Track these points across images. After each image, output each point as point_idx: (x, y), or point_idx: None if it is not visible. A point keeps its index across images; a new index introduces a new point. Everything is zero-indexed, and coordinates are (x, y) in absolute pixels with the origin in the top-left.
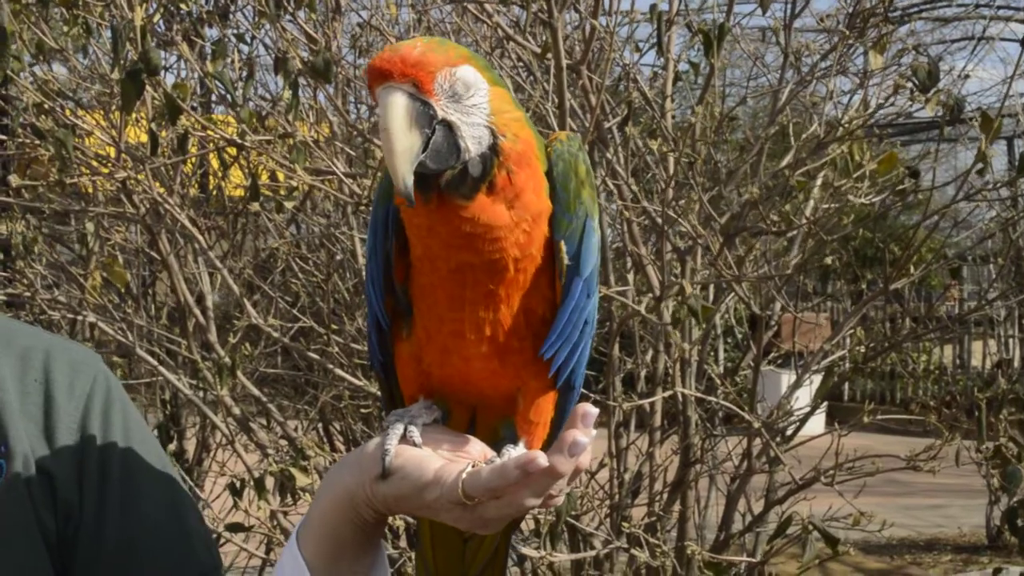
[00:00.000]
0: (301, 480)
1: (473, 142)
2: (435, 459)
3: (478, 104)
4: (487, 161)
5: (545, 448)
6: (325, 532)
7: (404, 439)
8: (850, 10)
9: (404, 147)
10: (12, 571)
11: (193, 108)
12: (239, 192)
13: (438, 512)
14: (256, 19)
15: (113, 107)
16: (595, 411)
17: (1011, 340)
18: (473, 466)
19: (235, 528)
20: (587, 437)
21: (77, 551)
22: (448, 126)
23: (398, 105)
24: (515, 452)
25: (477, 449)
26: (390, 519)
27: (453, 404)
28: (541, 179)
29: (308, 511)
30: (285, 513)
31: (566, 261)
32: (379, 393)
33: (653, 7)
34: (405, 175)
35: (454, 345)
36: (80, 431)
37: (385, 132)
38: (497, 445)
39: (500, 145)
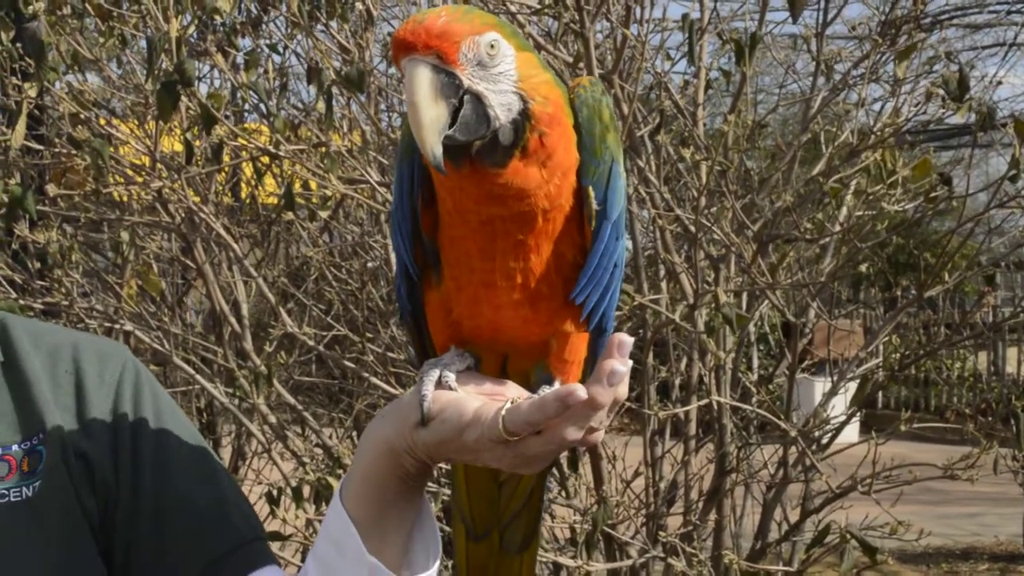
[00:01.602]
0: (337, 486)
1: (503, 109)
2: (473, 400)
3: (505, 71)
4: (518, 127)
5: None
6: (368, 486)
7: (440, 385)
8: (883, 18)
9: (431, 119)
10: (59, 552)
11: (226, 117)
12: (272, 200)
13: (480, 453)
14: (289, 29)
15: (148, 116)
16: (630, 340)
17: None
18: (512, 402)
19: (272, 537)
20: (624, 366)
21: (116, 529)
22: (476, 96)
23: (423, 78)
24: (551, 390)
25: (514, 391)
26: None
27: (484, 352)
28: (571, 134)
29: (350, 467)
30: (321, 521)
31: (595, 206)
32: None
33: (685, 16)
34: (434, 146)
35: (485, 294)
36: (112, 415)
37: (411, 105)
38: (532, 388)
39: (531, 109)
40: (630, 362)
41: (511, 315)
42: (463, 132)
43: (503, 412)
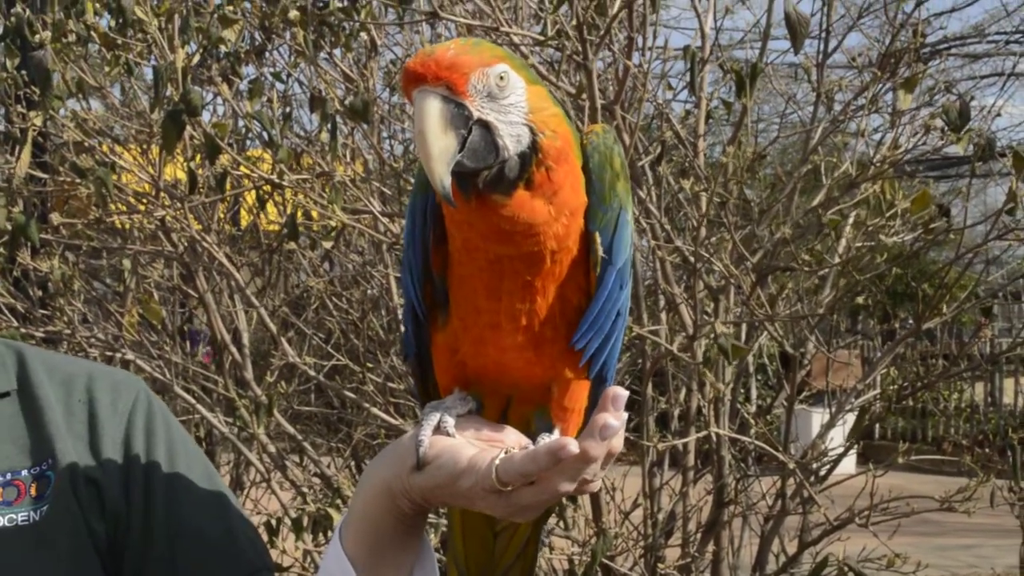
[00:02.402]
0: (338, 520)
1: (512, 140)
2: (469, 447)
3: (515, 103)
4: (526, 159)
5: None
6: (366, 526)
7: (438, 430)
8: (883, 50)
9: (439, 150)
10: (65, 573)
11: (229, 145)
12: (274, 228)
13: (473, 500)
14: (293, 58)
15: (151, 144)
16: (625, 393)
17: None
18: (506, 452)
19: None
20: (618, 420)
21: (127, 555)
22: (485, 126)
23: (432, 108)
24: (549, 439)
25: (512, 438)
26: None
27: (487, 395)
28: (579, 174)
29: (349, 506)
30: (320, 552)
31: (600, 252)
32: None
33: (687, 48)
34: (442, 176)
35: (490, 335)
36: (124, 444)
37: (420, 135)
38: (531, 434)
39: (540, 142)
40: (624, 415)
41: (515, 357)
42: (471, 159)
43: (497, 462)
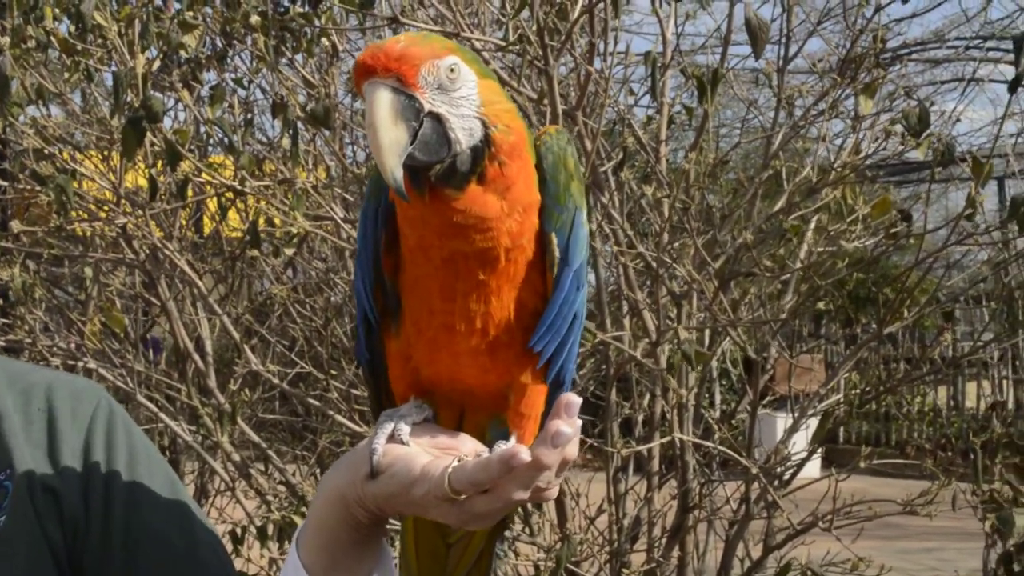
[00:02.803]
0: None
1: (464, 133)
2: (422, 456)
3: (467, 95)
4: (478, 153)
5: None
6: (322, 535)
7: (392, 438)
8: (842, 56)
9: (390, 141)
10: None
11: (191, 151)
12: (237, 234)
13: (427, 508)
14: (255, 63)
15: (112, 152)
16: (578, 400)
17: (1004, 382)
18: (459, 461)
19: None
20: (571, 427)
21: (85, 564)
22: (436, 118)
23: (382, 100)
24: (505, 446)
25: (468, 446)
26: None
27: (441, 403)
28: (532, 171)
29: (307, 515)
30: (285, 560)
31: (557, 254)
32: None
33: (647, 53)
34: (393, 168)
35: (444, 339)
36: (84, 452)
37: (371, 127)
38: (487, 443)
39: (492, 136)
40: (578, 422)
41: (469, 362)
42: (423, 152)
43: (449, 470)
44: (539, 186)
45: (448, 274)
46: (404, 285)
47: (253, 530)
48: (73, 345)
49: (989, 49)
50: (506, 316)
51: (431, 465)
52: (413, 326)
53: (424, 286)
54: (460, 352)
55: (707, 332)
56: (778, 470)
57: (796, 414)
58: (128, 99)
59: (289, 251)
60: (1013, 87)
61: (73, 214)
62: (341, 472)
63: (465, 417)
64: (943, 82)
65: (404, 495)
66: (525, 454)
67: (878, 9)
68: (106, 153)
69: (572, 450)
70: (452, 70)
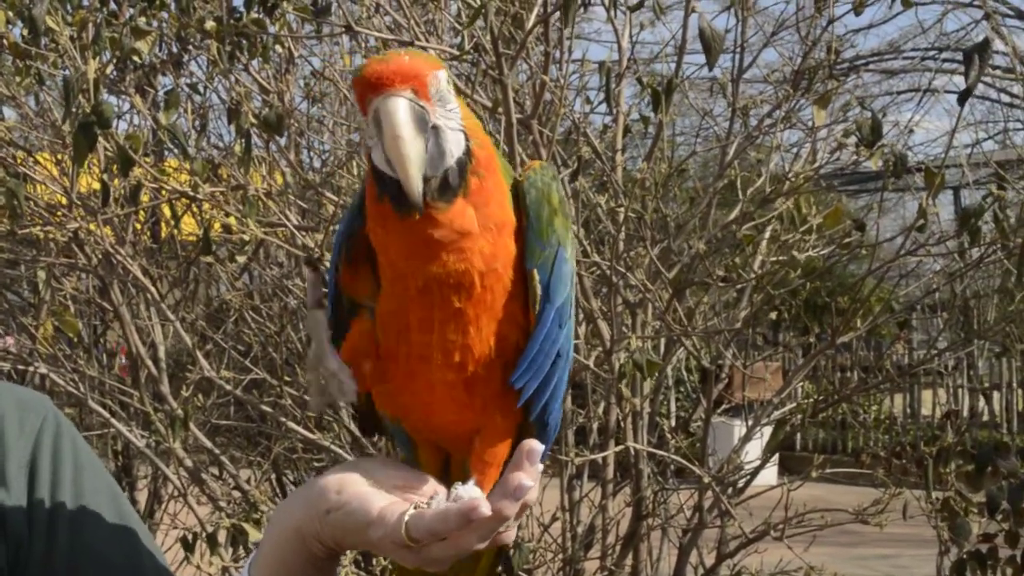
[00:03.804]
0: (254, 535)
1: (456, 146)
2: (379, 497)
3: (454, 108)
4: (462, 166)
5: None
6: (276, 568)
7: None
8: (796, 67)
9: (416, 153)
10: None
11: (146, 155)
12: (193, 239)
13: (384, 551)
14: (210, 68)
15: (64, 156)
16: (541, 447)
17: (960, 390)
18: (416, 507)
19: None
20: (533, 479)
21: None
22: (436, 131)
23: (405, 111)
24: (463, 491)
25: (427, 486)
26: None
27: (419, 441)
28: (505, 189)
29: (260, 545)
30: (237, 567)
31: (538, 290)
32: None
33: (602, 63)
34: (418, 182)
35: (420, 369)
36: (29, 467)
37: (394, 139)
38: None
39: (472, 149)
40: (540, 468)
41: (444, 396)
42: (431, 167)
43: (406, 518)
44: (522, 221)
45: (424, 304)
46: (380, 317)
47: (204, 537)
48: (25, 350)
49: (944, 60)
50: (486, 350)
51: (387, 510)
52: (390, 359)
53: (402, 319)
54: (435, 384)
55: (662, 341)
56: (731, 479)
57: (751, 422)
58: (79, 104)
59: (242, 258)
60: (963, 99)
61: (27, 219)
62: (298, 504)
63: (452, 460)
64: (899, 92)
65: (360, 534)
66: (485, 507)
67: (831, 21)
68: (59, 157)
69: (532, 495)
70: (448, 82)
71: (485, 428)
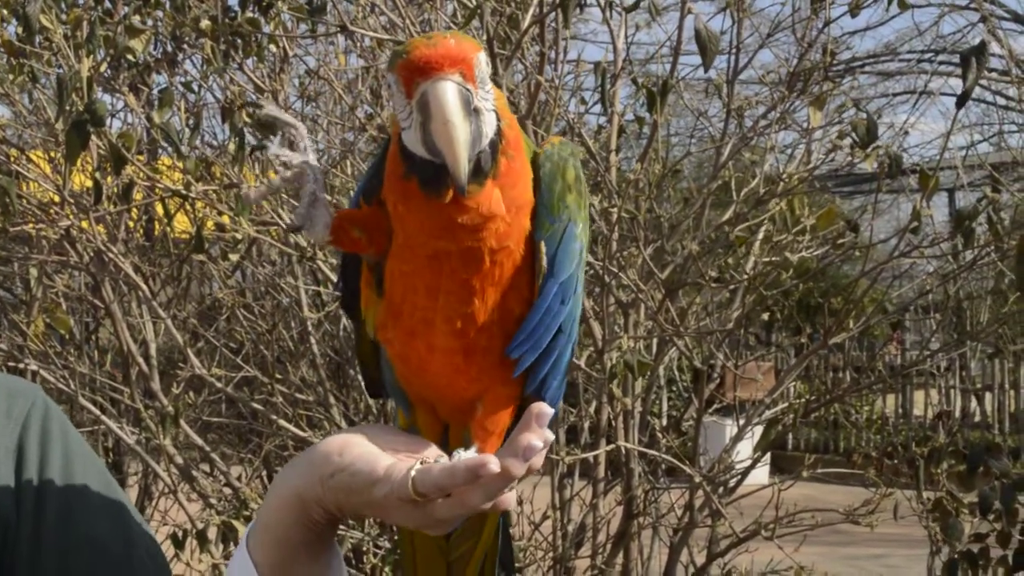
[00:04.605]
0: (243, 532)
1: (490, 127)
2: (385, 457)
3: (490, 89)
4: (494, 147)
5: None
6: (275, 535)
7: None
8: (791, 69)
9: (466, 137)
10: None
11: (139, 153)
12: (185, 237)
13: (387, 510)
14: (204, 67)
15: (57, 154)
16: (550, 411)
17: (952, 391)
18: (422, 463)
19: None
20: (542, 440)
21: (17, 566)
22: (476, 114)
23: (456, 94)
24: (465, 455)
25: (429, 451)
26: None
27: (418, 404)
28: (529, 168)
29: (258, 513)
30: (227, 565)
31: (544, 263)
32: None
33: (597, 63)
34: (466, 165)
35: (421, 330)
36: (17, 452)
37: (445, 123)
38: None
39: (502, 130)
40: (550, 434)
41: (443, 361)
42: (471, 151)
43: (413, 472)
44: (536, 193)
45: (433, 271)
46: (389, 274)
47: (194, 534)
48: (15, 346)
49: (940, 63)
50: (488, 320)
51: (394, 467)
52: (393, 315)
53: (409, 281)
54: (435, 347)
55: (654, 341)
56: (722, 478)
57: (742, 422)
58: (73, 102)
59: (235, 257)
60: (961, 102)
61: (19, 217)
62: (299, 471)
63: (451, 431)
64: (895, 94)
65: (365, 494)
66: (495, 464)
67: (828, 23)
68: (52, 154)
69: (538, 460)
70: (487, 65)
71: (487, 396)
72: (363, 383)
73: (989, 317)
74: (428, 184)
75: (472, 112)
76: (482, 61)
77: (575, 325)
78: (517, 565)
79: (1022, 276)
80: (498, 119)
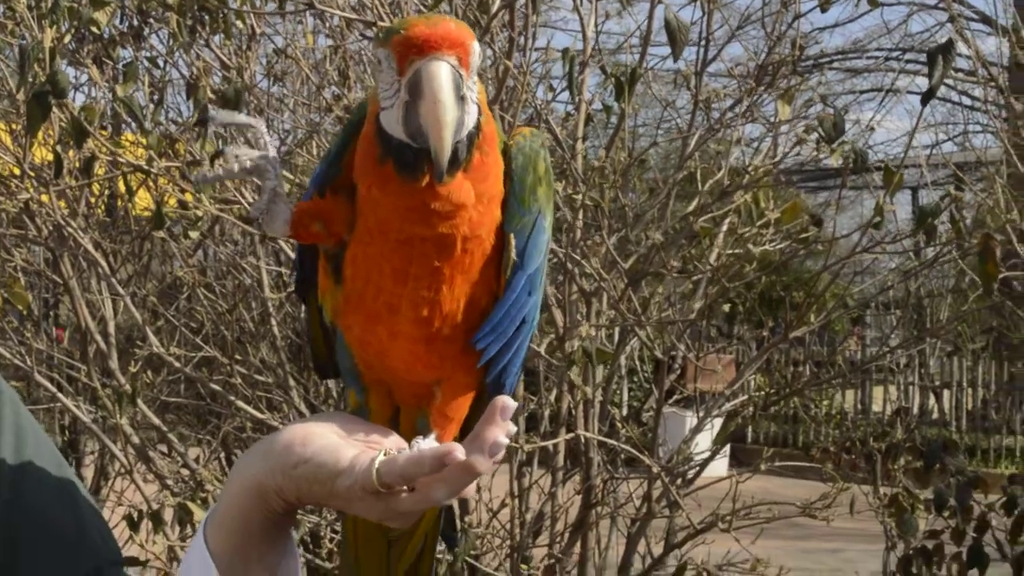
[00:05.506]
0: (199, 514)
1: (471, 118)
2: (350, 447)
3: (475, 81)
4: (471, 140)
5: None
6: (233, 523)
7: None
8: (759, 62)
9: (454, 119)
10: None
11: (104, 128)
12: (147, 213)
13: (350, 501)
14: (170, 42)
15: (18, 125)
16: (514, 404)
17: (911, 388)
18: (386, 454)
19: (131, 562)
20: (507, 436)
21: None
22: (463, 102)
23: (449, 76)
24: (425, 444)
25: (391, 441)
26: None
27: (371, 386)
28: (501, 162)
29: (217, 501)
30: (183, 547)
31: (513, 255)
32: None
33: (565, 50)
34: (449, 148)
35: (385, 316)
36: None
37: (434, 103)
38: (408, 436)
39: (480, 123)
40: (513, 427)
41: (403, 347)
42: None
43: (377, 463)
44: (507, 185)
45: (403, 257)
46: (352, 260)
47: (149, 516)
48: None
49: (908, 61)
50: (454, 309)
51: (358, 457)
52: (354, 301)
53: (376, 266)
54: (398, 334)
55: (616, 330)
56: (681, 469)
57: (702, 414)
58: (35, 73)
59: (195, 235)
60: (926, 98)
61: None
62: (259, 460)
63: (402, 413)
64: (862, 91)
65: (328, 484)
66: (460, 453)
67: (797, 17)
68: (13, 126)
69: (500, 455)
70: (479, 56)
71: (447, 383)
72: (312, 365)
73: (949, 315)
74: (404, 168)
75: (460, 99)
76: (476, 50)
77: (537, 315)
78: (474, 552)
79: (984, 275)
80: (479, 112)
